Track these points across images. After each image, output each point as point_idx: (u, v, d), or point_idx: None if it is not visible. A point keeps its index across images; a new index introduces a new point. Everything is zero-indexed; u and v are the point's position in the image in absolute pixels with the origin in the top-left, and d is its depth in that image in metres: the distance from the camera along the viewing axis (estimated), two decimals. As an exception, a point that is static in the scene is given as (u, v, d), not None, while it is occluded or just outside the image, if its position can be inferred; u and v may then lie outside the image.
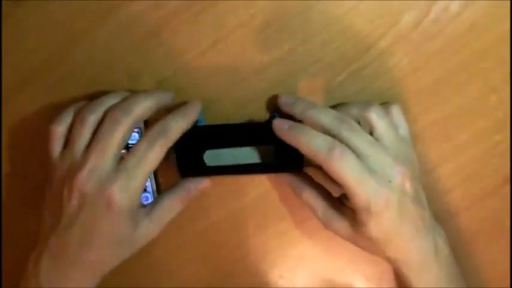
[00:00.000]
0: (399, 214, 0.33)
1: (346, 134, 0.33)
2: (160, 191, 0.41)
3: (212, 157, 0.38)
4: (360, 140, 0.33)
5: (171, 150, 0.35)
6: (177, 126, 0.33)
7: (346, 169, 0.32)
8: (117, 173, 0.32)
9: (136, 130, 0.38)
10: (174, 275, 0.46)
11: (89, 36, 0.37)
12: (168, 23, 0.37)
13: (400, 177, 0.33)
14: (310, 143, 0.33)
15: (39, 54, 0.38)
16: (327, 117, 0.34)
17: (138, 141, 0.33)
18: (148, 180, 0.39)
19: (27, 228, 0.42)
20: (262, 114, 0.40)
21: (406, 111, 0.38)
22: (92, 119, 0.33)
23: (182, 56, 0.38)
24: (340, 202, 0.37)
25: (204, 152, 0.37)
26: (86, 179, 0.32)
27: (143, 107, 0.33)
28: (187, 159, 0.37)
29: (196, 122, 0.38)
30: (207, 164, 0.38)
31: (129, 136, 0.33)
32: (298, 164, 0.37)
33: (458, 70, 0.39)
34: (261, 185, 0.43)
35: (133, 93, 0.35)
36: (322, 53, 0.38)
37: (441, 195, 0.42)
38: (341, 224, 0.36)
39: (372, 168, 0.33)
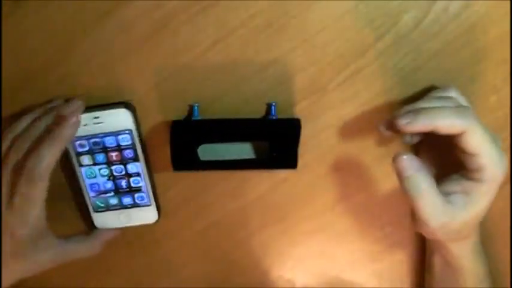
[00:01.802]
0: None
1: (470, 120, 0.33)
2: (155, 192, 0.41)
3: (206, 151, 0.38)
4: (478, 120, 0.34)
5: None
6: (46, 159, 0.34)
7: (485, 137, 0.33)
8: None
9: (127, 132, 0.38)
10: (174, 275, 0.46)
11: (89, 36, 0.37)
12: (168, 23, 0.37)
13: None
14: (445, 116, 0.33)
15: (39, 54, 0.38)
16: (452, 114, 0.33)
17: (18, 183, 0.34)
18: (143, 180, 0.40)
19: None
20: (262, 114, 0.40)
21: (406, 111, 0.38)
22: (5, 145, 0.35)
23: (182, 56, 0.38)
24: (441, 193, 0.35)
25: (198, 147, 0.37)
26: None
27: (49, 162, 0.34)
28: (181, 153, 0.37)
29: (192, 116, 0.38)
30: (201, 159, 0.38)
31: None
32: (292, 161, 0.37)
33: (458, 70, 0.39)
34: (261, 185, 0.43)
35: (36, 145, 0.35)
36: (322, 53, 0.38)
37: (441, 195, 0.42)
38: (448, 216, 0.34)
39: (495, 140, 0.34)
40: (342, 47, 0.38)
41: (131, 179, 0.40)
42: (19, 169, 0.34)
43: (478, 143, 0.33)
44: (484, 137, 0.33)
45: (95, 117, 0.37)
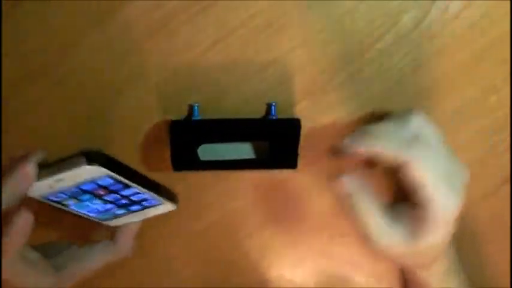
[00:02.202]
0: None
1: (417, 151, 0.31)
2: (162, 190, 0.36)
3: (206, 151, 0.38)
4: (431, 153, 0.32)
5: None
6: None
7: (433, 172, 0.30)
8: None
9: (104, 176, 0.31)
10: (173, 275, 0.46)
11: (89, 37, 0.37)
12: (168, 23, 0.37)
13: (463, 185, 0.32)
14: (388, 143, 0.31)
15: (39, 54, 0.38)
16: (395, 143, 0.32)
17: None
18: (144, 193, 0.34)
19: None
20: (262, 114, 0.40)
21: (406, 111, 0.38)
22: None
23: (182, 56, 0.38)
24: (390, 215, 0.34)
25: (198, 147, 0.37)
26: None
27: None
28: (181, 153, 0.37)
29: (192, 116, 0.38)
30: (201, 159, 0.38)
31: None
32: (292, 161, 0.37)
33: (458, 70, 0.39)
34: (261, 184, 0.43)
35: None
36: (321, 54, 0.38)
37: (441, 195, 0.42)
38: (393, 238, 0.32)
39: (447, 176, 0.31)
40: (342, 47, 0.38)
41: (131, 197, 0.35)
42: None
43: (421, 177, 0.31)
44: (432, 172, 0.30)
45: (58, 180, 0.29)
